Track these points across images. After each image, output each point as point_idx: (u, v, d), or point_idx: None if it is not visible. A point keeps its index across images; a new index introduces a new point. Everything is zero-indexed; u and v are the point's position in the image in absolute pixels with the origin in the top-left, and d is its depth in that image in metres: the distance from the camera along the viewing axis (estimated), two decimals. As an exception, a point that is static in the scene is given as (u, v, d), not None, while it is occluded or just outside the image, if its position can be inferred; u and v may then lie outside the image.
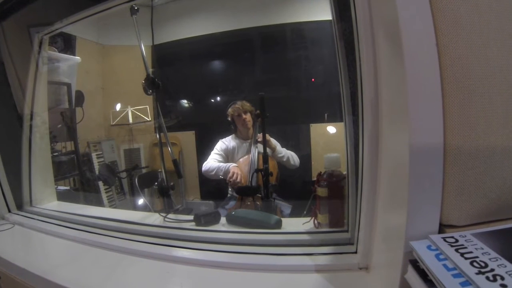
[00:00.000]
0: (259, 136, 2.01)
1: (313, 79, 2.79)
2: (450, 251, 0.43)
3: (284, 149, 2.15)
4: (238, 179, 1.89)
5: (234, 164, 2.00)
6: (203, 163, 2.13)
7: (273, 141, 2.13)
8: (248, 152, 2.09)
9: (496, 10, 0.48)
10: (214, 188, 2.22)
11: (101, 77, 3.22)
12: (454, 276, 0.39)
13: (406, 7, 0.47)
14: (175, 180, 1.46)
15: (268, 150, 1.80)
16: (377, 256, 0.64)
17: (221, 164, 2.05)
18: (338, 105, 0.79)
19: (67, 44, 2.71)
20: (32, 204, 1.35)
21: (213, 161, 2.10)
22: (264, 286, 0.69)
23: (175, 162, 1.34)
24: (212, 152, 2.17)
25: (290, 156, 2.11)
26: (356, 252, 0.72)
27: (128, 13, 1.31)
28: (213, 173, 2.03)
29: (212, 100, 3.24)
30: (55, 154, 2.27)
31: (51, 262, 0.89)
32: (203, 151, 2.89)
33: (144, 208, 2.08)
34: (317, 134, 2.76)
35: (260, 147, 1.94)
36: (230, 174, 1.92)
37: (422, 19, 0.47)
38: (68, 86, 2.52)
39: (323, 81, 2.62)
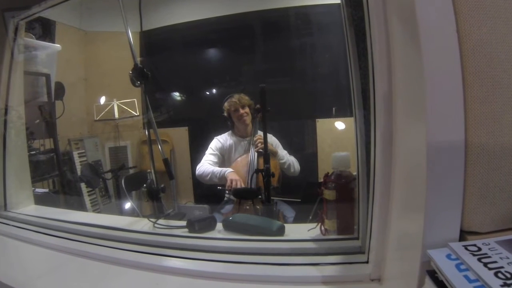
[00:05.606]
0: (257, 138, 2.00)
1: (319, 70, 2.79)
2: (472, 261, 0.43)
3: (286, 153, 2.15)
4: (239, 187, 1.89)
5: (230, 170, 1.98)
6: (197, 164, 2.12)
7: (274, 143, 2.13)
8: (247, 151, 2.09)
9: (524, -8, 0.47)
10: (209, 190, 2.22)
11: (84, 67, 3.22)
12: (477, 288, 0.40)
13: (424, -11, 0.47)
14: (166, 182, 1.46)
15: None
16: (391, 267, 0.64)
17: (216, 169, 2.03)
18: (348, 98, 0.79)
19: (45, 30, 2.70)
20: (6, 208, 1.35)
21: (207, 164, 2.08)
22: (265, 300, 0.69)
23: (166, 161, 1.34)
24: (207, 152, 2.16)
25: (291, 163, 2.12)
26: (367, 262, 0.72)
27: (113, -4, 1.31)
28: (208, 178, 2.02)
29: (207, 93, 3.24)
30: (32, 152, 2.27)
31: (28, 272, 0.90)
32: (197, 149, 2.90)
33: (132, 213, 2.08)
34: (324, 131, 2.77)
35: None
36: (229, 183, 1.90)
37: (441, 2, 0.47)
38: (47, 77, 2.52)
39: (331, 72, 2.62)
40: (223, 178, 1.96)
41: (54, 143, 2.59)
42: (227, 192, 2.03)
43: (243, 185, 1.88)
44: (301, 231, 0.93)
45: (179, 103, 3.36)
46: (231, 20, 2.92)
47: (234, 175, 1.93)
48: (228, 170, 1.98)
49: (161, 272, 0.81)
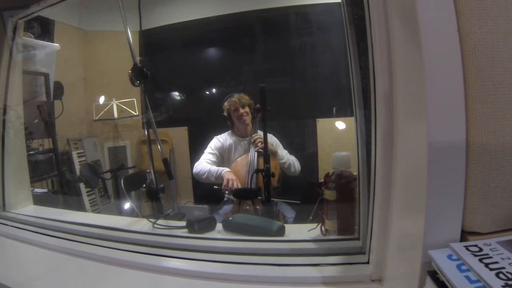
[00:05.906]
0: (256, 137, 2.00)
1: (319, 69, 2.79)
2: (473, 261, 0.43)
3: (286, 153, 2.15)
4: (235, 187, 1.89)
5: (226, 169, 1.99)
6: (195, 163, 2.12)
7: (274, 143, 2.13)
8: (247, 151, 2.09)
9: (526, -9, 0.47)
10: (209, 191, 2.21)
11: (83, 66, 3.22)
12: (478, 289, 0.39)
13: (425, -12, 0.47)
14: (166, 182, 1.46)
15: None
16: (392, 267, 0.64)
17: (213, 168, 2.03)
18: (348, 98, 0.79)
19: (44, 29, 2.70)
20: (5, 208, 1.35)
21: (205, 163, 2.08)
22: (265, 300, 0.69)
23: (165, 161, 1.34)
24: (205, 151, 2.16)
25: (292, 162, 2.11)
26: (368, 263, 0.72)
27: (112, -5, 1.31)
28: (204, 177, 2.02)
29: (207, 93, 3.23)
30: (31, 152, 2.27)
31: (27, 273, 0.89)
32: (196, 149, 2.90)
33: (131, 213, 2.08)
34: (324, 130, 2.76)
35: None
36: (225, 182, 1.90)
37: (442, 1, 0.47)
38: (46, 76, 2.52)
39: (331, 71, 2.62)
40: (219, 177, 1.97)
41: (53, 143, 2.58)
42: (226, 192, 2.04)
43: (239, 185, 1.89)
44: (302, 232, 0.93)
45: (179, 103, 3.36)
46: (231, 19, 2.92)
47: (231, 175, 1.93)
48: (224, 170, 1.98)
49: (161, 272, 0.81)
